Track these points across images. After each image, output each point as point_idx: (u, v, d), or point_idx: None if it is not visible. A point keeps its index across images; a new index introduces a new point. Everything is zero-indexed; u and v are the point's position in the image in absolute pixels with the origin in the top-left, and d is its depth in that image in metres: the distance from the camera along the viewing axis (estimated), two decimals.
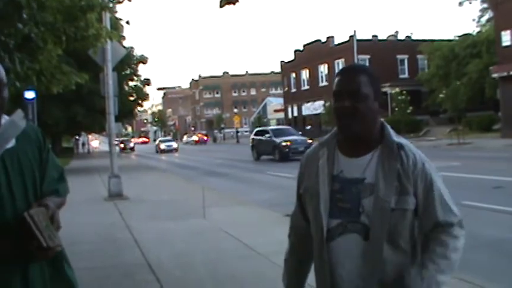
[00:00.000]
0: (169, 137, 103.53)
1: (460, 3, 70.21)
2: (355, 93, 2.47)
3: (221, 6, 6.17)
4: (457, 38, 55.53)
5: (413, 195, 2.47)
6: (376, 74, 2.60)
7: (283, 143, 32.72)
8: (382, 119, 2.63)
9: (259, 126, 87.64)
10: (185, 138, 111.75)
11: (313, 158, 2.73)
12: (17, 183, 2.60)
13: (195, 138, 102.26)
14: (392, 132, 2.60)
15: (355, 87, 2.48)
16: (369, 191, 2.48)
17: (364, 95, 2.47)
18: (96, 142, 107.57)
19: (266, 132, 36.44)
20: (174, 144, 73.58)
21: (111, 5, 11.87)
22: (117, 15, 15.00)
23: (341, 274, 2.51)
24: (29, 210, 2.45)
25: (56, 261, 2.72)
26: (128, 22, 12.17)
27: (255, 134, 38.20)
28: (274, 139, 33.78)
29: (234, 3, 6.21)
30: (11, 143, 2.60)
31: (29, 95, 17.76)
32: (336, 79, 2.57)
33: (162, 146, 72.18)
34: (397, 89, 51.50)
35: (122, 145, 78.74)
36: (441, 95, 44.21)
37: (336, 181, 2.57)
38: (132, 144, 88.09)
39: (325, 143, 2.70)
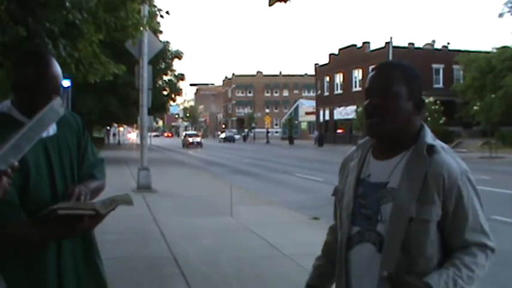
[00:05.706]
0: (194, 131, 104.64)
1: (501, 15, 69.06)
2: (384, 91, 2.29)
3: (270, 4, 6.11)
4: (494, 50, 54.55)
5: (439, 207, 2.21)
6: (414, 71, 2.40)
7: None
8: (422, 122, 2.42)
9: (290, 127, 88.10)
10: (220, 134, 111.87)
11: (348, 160, 2.58)
12: (57, 169, 2.66)
13: (223, 135, 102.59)
14: (430, 134, 2.38)
15: (385, 84, 2.31)
16: (389, 197, 2.27)
17: (394, 93, 2.28)
18: (133, 134, 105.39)
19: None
20: (198, 139, 75.31)
21: None
22: (155, 9, 15.07)
23: (355, 287, 2.38)
24: (57, 209, 2.41)
25: (86, 246, 2.79)
26: (167, 12, 12.12)
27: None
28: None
29: (285, 1, 6.13)
30: (53, 130, 2.66)
31: (65, 83, 17.97)
32: (369, 76, 2.40)
33: (190, 139, 73.48)
34: (431, 99, 50.90)
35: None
36: (475, 107, 43.76)
37: (361, 185, 2.40)
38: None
39: (361, 145, 2.54)
